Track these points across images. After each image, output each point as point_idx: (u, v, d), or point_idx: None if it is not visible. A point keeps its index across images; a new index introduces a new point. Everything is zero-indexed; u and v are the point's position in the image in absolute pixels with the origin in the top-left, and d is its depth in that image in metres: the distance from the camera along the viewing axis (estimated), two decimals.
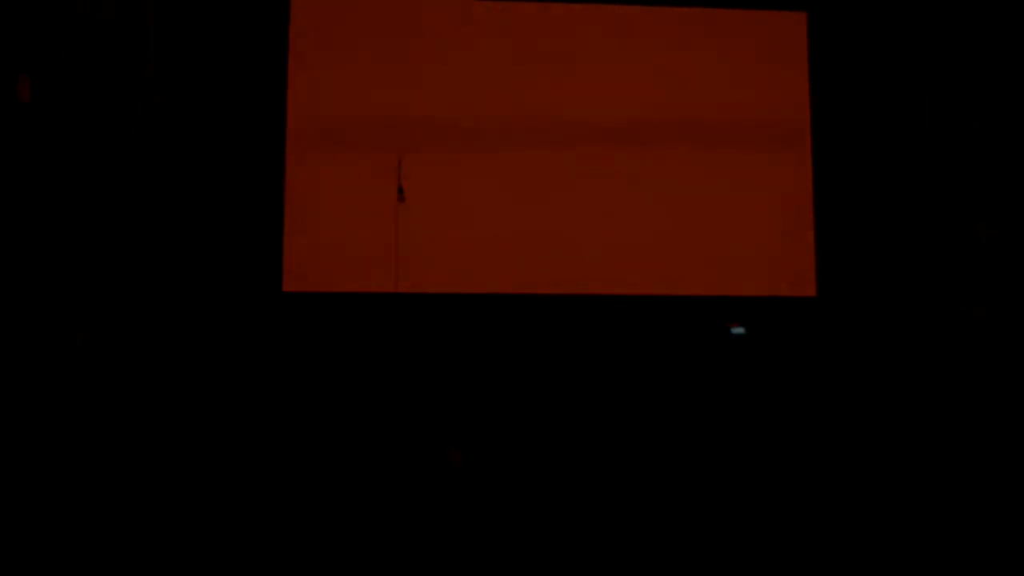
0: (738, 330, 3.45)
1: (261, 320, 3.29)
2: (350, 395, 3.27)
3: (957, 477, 3.28)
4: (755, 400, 3.38)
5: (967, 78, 3.59)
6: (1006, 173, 3.54)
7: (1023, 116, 3.55)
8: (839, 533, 3.12)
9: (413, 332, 3.35)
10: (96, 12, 3.29)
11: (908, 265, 3.52)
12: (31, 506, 2.99)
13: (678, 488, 3.24)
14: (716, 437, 3.34)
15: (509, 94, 3.51)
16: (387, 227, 3.40)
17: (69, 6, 3.27)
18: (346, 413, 3.25)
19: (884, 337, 3.46)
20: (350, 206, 3.40)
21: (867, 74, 3.59)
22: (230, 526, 3.01)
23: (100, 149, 3.28)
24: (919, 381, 3.43)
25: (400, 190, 3.41)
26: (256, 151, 3.36)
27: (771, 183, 3.56)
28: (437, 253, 3.41)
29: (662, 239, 3.50)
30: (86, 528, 2.97)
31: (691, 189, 3.53)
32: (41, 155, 3.23)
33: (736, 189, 3.54)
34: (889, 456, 3.33)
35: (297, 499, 3.10)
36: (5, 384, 3.10)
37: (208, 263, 3.28)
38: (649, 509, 3.18)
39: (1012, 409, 3.38)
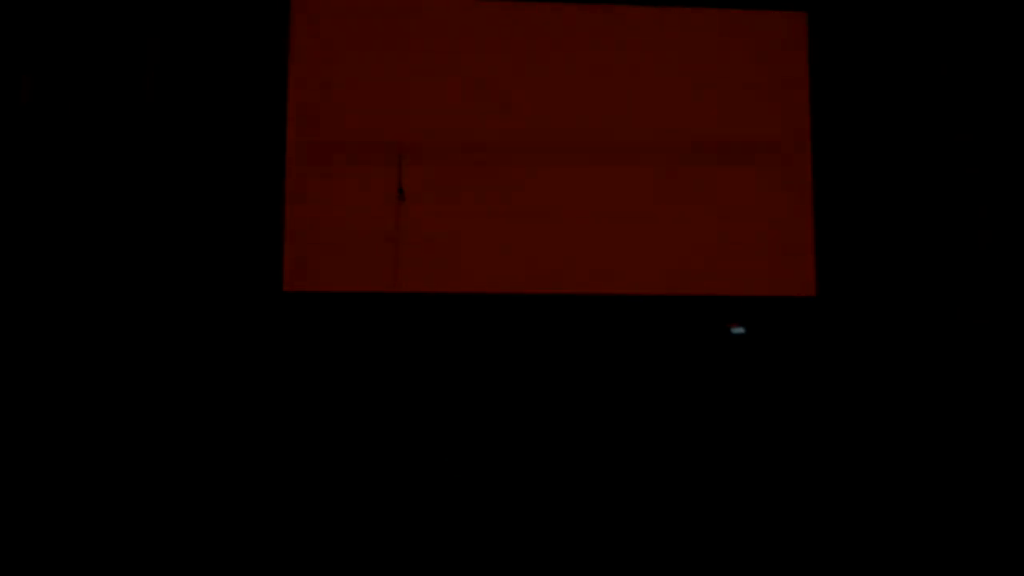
0: (738, 330, 3.45)
1: (261, 320, 3.29)
2: (350, 395, 3.27)
3: (956, 476, 3.29)
4: (755, 400, 3.39)
5: (967, 77, 3.59)
6: (1006, 173, 3.54)
7: (1022, 116, 3.55)
8: (839, 532, 3.12)
9: (413, 332, 3.35)
10: (98, 12, 3.29)
11: (908, 265, 3.52)
12: (32, 506, 2.99)
13: (678, 488, 3.25)
14: (716, 437, 3.34)
15: (509, 94, 3.51)
16: (387, 227, 3.40)
17: (70, 7, 3.27)
18: (346, 413, 3.25)
19: (884, 337, 3.47)
20: (350, 206, 3.40)
21: (867, 74, 3.59)
22: (230, 525, 3.01)
23: (100, 149, 3.28)
24: (918, 381, 3.43)
25: (400, 190, 3.41)
26: (256, 151, 3.36)
27: (771, 183, 3.56)
28: (437, 253, 3.41)
29: (662, 239, 3.50)
30: (87, 528, 2.97)
31: (691, 189, 3.53)
32: (41, 155, 3.23)
33: (736, 189, 3.54)
34: (889, 455, 3.34)
35: (297, 499, 3.11)
36: (5, 384, 3.10)
37: (208, 263, 3.28)
38: (649, 509, 3.18)
39: (1011, 409, 3.38)
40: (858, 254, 3.53)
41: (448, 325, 3.38)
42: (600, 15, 3.56)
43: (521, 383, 3.33)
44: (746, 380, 3.40)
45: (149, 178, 3.30)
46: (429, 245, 3.41)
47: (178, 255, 3.27)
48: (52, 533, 2.94)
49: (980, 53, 3.58)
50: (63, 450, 3.09)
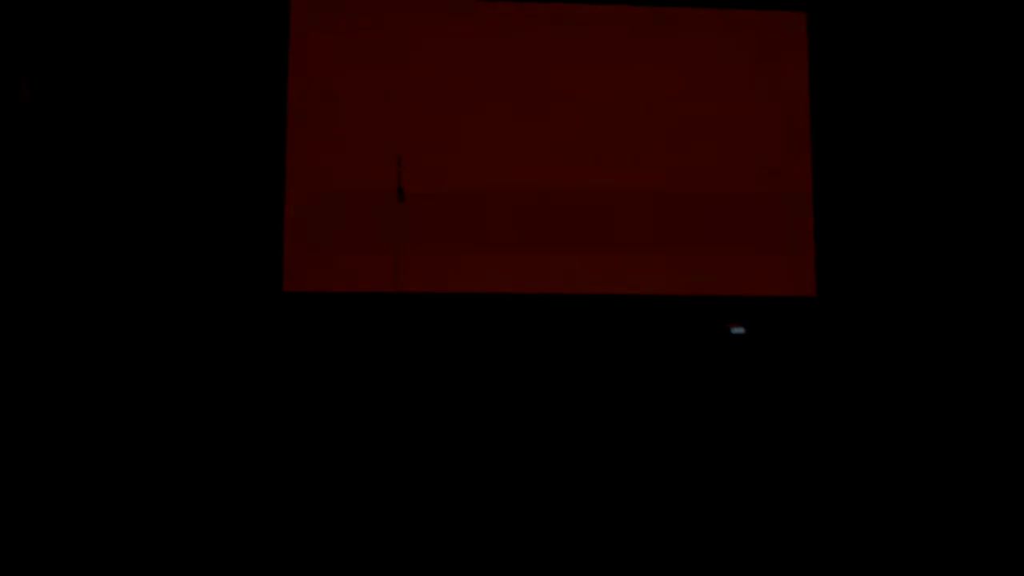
0: (738, 330, 3.45)
1: (261, 320, 3.29)
2: (350, 395, 3.27)
3: (955, 475, 3.28)
4: (755, 400, 3.39)
5: (967, 77, 3.59)
6: (1006, 173, 3.54)
7: (1021, 116, 3.55)
8: (838, 531, 3.12)
9: (413, 332, 3.35)
10: (97, 12, 3.29)
11: (907, 265, 3.52)
12: (33, 505, 2.99)
13: (679, 487, 3.25)
14: (716, 436, 3.34)
15: (510, 94, 3.51)
16: (387, 227, 3.40)
17: (69, 7, 3.27)
18: (346, 412, 3.25)
19: (884, 337, 3.47)
20: (350, 206, 3.40)
21: (867, 74, 3.59)
22: (230, 524, 3.01)
23: (100, 149, 3.28)
24: (918, 380, 3.43)
25: (400, 190, 3.41)
26: (256, 151, 3.36)
27: (771, 183, 3.56)
28: (437, 253, 3.41)
29: (662, 239, 3.50)
30: (87, 527, 2.97)
31: (691, 189, 3.53)
32: (41, 155, 3.23)
33: (736, 189, 3.54)
34: (888, 454, 3.34)
35: (297, 498, 3.11)
36: (5, 382, 3.10)
37: (208, 263, 3.29)
38: (649, 508, 3.18)
39: (1010, 409, 3.38)
40: (858, 254, 3.53)
41: (448, 325, 3.38)
42: (600, 15, 3.56)
43: (521, 383, 3.33)
44: (746, 380, 3.40)
45: (150, 178, 3.30)
46: (429, 245, 3.41)
47: (179, 255, 3.28)
48: (53, 532, 2.94)
49: (980, 53, 3.58)
50: (64, 448, 3.09)
